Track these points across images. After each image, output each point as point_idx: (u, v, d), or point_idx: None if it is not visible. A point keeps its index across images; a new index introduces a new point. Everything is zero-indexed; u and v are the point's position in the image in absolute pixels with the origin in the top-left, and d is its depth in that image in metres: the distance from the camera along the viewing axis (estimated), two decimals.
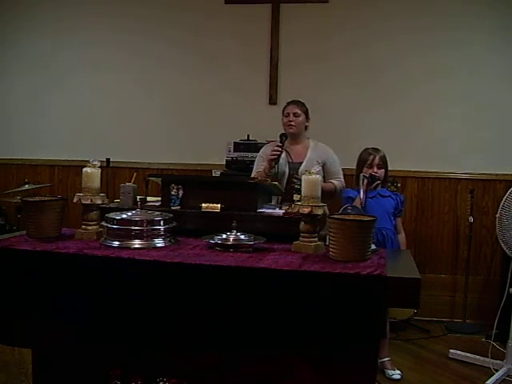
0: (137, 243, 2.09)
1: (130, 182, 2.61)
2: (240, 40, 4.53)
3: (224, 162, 4.20)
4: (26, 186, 4.28)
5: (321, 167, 3.46)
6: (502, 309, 3.37)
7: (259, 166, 3.52)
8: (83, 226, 2.26)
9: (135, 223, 2.11)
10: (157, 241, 2.13)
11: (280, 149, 3.32)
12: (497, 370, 3.32)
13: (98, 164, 2.28)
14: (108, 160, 4.35)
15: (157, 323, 1.95)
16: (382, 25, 4.36)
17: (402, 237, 3.51)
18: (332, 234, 1.97)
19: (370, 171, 3.27)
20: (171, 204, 2.40)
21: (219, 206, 2.33)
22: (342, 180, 3.51)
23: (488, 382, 3.20)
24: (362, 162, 3.38)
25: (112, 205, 2.49)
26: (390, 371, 3.31)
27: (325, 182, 3.41)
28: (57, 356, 2.09)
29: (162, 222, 2.15)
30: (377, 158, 3.34)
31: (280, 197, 3.09)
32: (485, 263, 4.33)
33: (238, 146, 4.15)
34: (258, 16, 4.50)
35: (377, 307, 1.79)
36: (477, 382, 3.25)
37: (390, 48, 4.37)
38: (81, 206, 2.24)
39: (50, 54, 4.81)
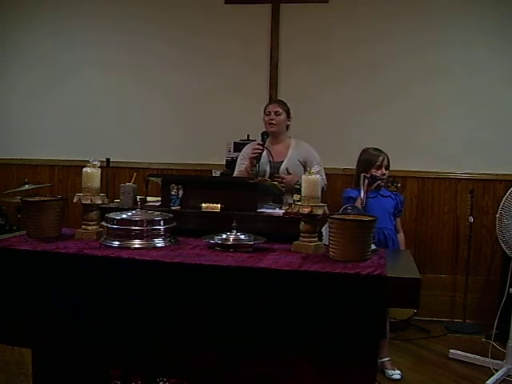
0: (137, 243, 2.09)
1: (129, 182, 2.61)
2: (240, 40, 4.54)
3: (224, 162, 4.20)
4: (26, 185, 4.28)
5: (302, 166, 3.47)
6: (502, 309, 3.38)
7: (241, 166, 3.52)
8: (83, 226, 2.26)
9: (135, 223, 2.11)
10: (157, 241, 2.13)
11: (261, 147, 3.32)
12: (497, 370, 3.32)
13: (98, 164, 2.28)
14: (108, 160, 4.35)
15: (157, 323, 1.95)
16: (381, 24, 4.36)
17: (401, 236, 3.51)
18: (332, 234, 1.96)
19: (380, 172, 3.28)
20: (171, 204, 2.40)
21: (219, 206, 2.33)
22: (324, 178, 3.48)
23: (488, 382, 3.20)
24: (369, 162, 3.36)
25: (112, 205, 2.49)
26: (389, 371, 3.31)
27: None
28: (57, 356, 2.09)
29: (161, 222, 2.15)
30: (386, 159, 3.36)
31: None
32: (485, 263, 4.33)
33: (237, 146, 4.14)
34: (258, 16, 4.50)
35: (377, 307, 1.79)
36: (477, 382, 3.25)
37: (390, 48, 4.37)
38: (81, 206, 2.24)
39: (50, 53, 4.81)
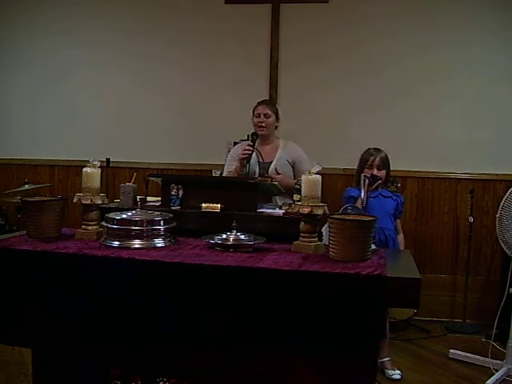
0: (137, 243, 2.09)
1: (129, 182, 2.61)
2: (240, 40, 4.53)
3: (224, 162, 4.19)
4: (26, 186, 4.28)
5: (291, 166, 3.48)
6: (502, 309, 3.37)
7: (230, 166, 3.52)
8: (83, 226, 2.26)
9: (135, 223, 2.11)
10: (157, 241, 2.13)
11: (251, 148, 3.32)
12: (497, 370, 3.32)
13: (98, 164, 2.28)
14: (108, 160, 4.35)
15: (157, 323, 1.95)
16: (381, 25, 4.36)
17: (401, 237, 3.51)
18: (332, 234, 1.97)
19: (370, 172, 3.27)
20: (171, 204, 2.40)
21: (219, 206, 2.33)
22: None
23: (488, 382, 3.20)
24: (363, 162, 3.38)
25: (112, 205, 2.49)
26: (389, 371, 3.31)
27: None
28: (57, 356, 2.09)
29: (162, 222, 2.15)
30: (377, 159, 3.34)
31: None
32: (485, 263, 4.33)
33: None
34: (258, 16, 4.50)
35: (377, 307, 1.79)
36: (477, 382, 3.25)
37: (390, 48, 4.37)
38: (81, 206, 2.24)
39: (49, 54, 4.81)
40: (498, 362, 3.38)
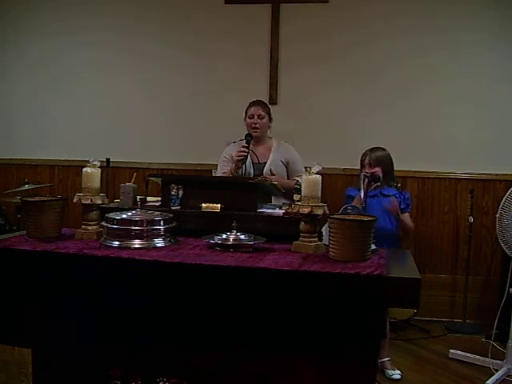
0: (137, 243, 2.09)
1: (129, 182, 2.61)
2: (240, 40, 4.53)
3: None
4: (26, 185, 4.28)
5: (285, 167, 3.48)
6: (502, 309, 3.37)
7: (224, 168, 3.52)
8: (83, 226, 2.26)
9: (135, 223, 2.11)
10: (157, 241, 2.13)
11: (247, 150, 3.33)
12: (497, 370, 3.32)
13: (98, 164, 2.28)
14: (108, 160, 4.35)
15: (157, 323, 1.95)
16: (382, 25, 4.36)
17: (407, 220, 3.53)
18: (332, 234, 1.97)
19: (364, 171, 3.29)
20: (171, 204, 2.40)
21: (219, 206, 2.33)
22: None
23: (488, 382, 3.20)
24: (360, 162, 3.44)
25: (112, 205, 2.49)
26: (389, 371, 3.31)
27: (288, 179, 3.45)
28: (57, 356, 2.09)
29: (162, 222, 2.15)
30: (367, 158, 3.38)
31: None
32: (485, 263, 4.33)
33: None
34: (258, 16, 4.50)
35: (377, 307, 1.79)
36: (477, 382, 3.25)
37: (390, 48, 4.37)
38: (81, 206, 2.24)
39: (50, 54, 4.81)
40: (498, 361, 3.38)
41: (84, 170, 2.26)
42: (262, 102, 3.62)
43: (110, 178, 4.31)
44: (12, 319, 2.11)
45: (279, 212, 2.38)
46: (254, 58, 4.52)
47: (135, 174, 2.81)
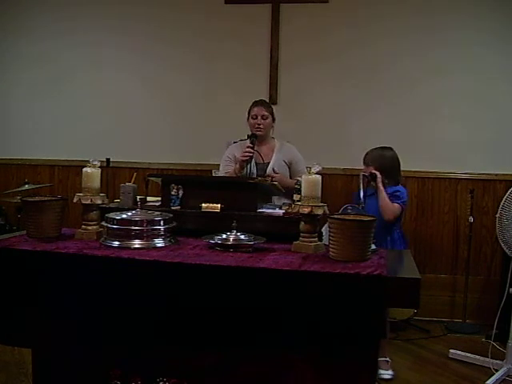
0: (137, 243, 2.09)
1: (129, 182, 2.61)
2: (240, 40, 4.53)
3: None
4: (26, 186, 4.28)
5: (288, 167, 3.48)
6: (502, 309, 3.37)
7: (226, 167, 3.51)
8: (83, 226, 2.26)
9: (135, 223, 2.11)
10: (157, 241, 2.13)
11: (252, 150, 3.32)
12: (497, 370, 3.32)
13: (98, 164, 2.28)
14: (108, 160, 4.35)
15: (157, 323, 1.95)
16: (381, 24, 4.36)
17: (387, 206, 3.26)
18: (332, 234, 1.97)
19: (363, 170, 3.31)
20: (171, 204, 2.40)
21: (219, 206, 2.33)
22: None
23: (488, 382, 3.19)
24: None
25: (112, 205, 2.49)
26: (381, 370, 3.28)
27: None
28: (57, 356, 2.09)
29: (162, 222, 2.15)
30: (365, 157, 3.37)
31: None
32: (485, 263, 4.33)
33: None
34: (258, 16, 4.50)
35: (377, 307, 1.79)
36: (477, 382, 3.25)
37: (390, 48, 4.37)
38: (81, 206, 2.24)
39: (49, 54, 4.81)
40: (497, 361, 3.38)
41: (84, 170, 2.26)
42: (265, 102, 3.61)
43: (110, 178, 4.30)
44: (12, 319, 2.11)
45: (279, 212, 2.38)
46: (254, 57, 4.52)
47: (135, 173, 2.81)
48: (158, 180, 2.59)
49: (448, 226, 4.38)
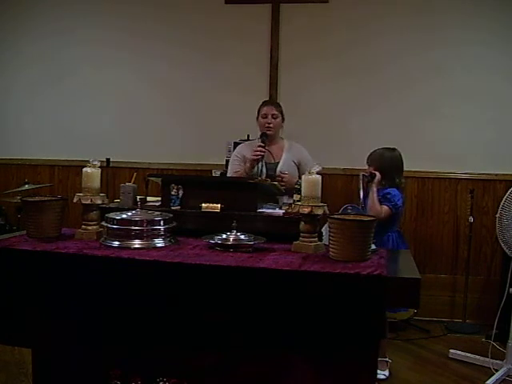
0: (137, 243, 2.09)
1: (129, 182, 2.61)
2: (240, 40, 4.53)
3: (224, 162, 4.20)
4: (26, 185, 4.28)
5: (297, 167, 3.48)
6: (502, 309, 3.37)
7: (235, 167, 3.50)
8: (83, 226, 2.26)
9: (135, 223, 2.11)
10: (157, 241, 2.13)
11: (263, 149, 3.32)
12: (497, 370, 3.32)
13: (98, 164, 2.28)
14: (108, 160, 4.35)
15: (157, 323, 1.95)
16: (381, 24, 4.36)
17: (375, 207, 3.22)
18: (332, 234, 1.97)
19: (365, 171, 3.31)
20: (171, 204, 2.40)
21: (219, 206, 2.33)
22: None
23: (488, 382, 3.20)
24: None
25: (112, 205, 2.49)
26: (378, 370, 3.26)
27: None
28: (57, 356, 2.09)
29: (162, 222, 2.15)
30: (368, 157, 3.37)
31: None
32: (485, 263, 4.33)
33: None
34: (257, 16, 4.50)
35: (377, 307, 1.79)
36: (477, 382, 3.25)
37: (390, 47, 4.37)
38: (81, 206, 2.24)
39: (49, 52, 4.81)
40: (497, 361, 3.38)
41: (84, 170, 2.26)
42: (275, 101, 3.60)
43: (110, 178, 4.30)
44: (12, 319, 2.11)
45: (279, 212, 2.38)
46: (254, 57, 4.52)
47: (135, 173, 2.81)
48: (158, 180, 2.59)
49: (448, 226, 4.38)
